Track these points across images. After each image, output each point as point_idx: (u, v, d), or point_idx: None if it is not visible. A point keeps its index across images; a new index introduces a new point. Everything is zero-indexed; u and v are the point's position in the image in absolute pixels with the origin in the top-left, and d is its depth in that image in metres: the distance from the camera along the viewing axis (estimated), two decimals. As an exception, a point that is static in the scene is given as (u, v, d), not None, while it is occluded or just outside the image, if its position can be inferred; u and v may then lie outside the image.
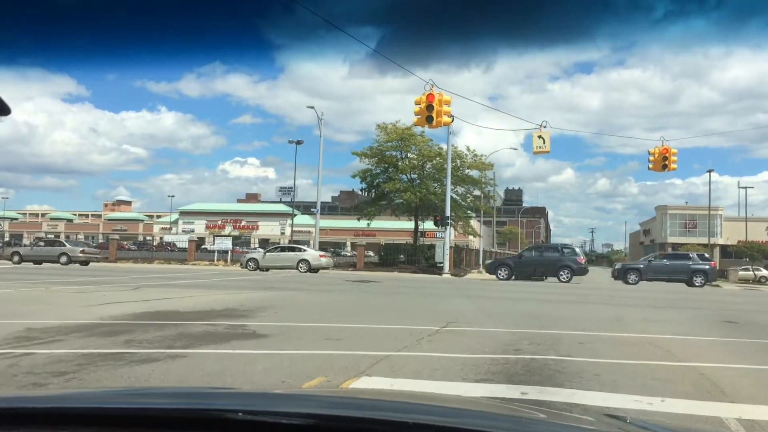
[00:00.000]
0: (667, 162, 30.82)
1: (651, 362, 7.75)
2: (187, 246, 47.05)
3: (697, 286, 30.87)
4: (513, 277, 31.83)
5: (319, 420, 1.43)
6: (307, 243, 46.19)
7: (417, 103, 22.51)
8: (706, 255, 34.52)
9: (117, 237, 53.21)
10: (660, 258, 35.99)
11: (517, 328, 11.01)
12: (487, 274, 36.07)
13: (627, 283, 32.05)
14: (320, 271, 35.04)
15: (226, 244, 45.02)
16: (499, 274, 32.50)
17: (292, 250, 37.47)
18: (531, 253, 34.41)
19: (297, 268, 34.23)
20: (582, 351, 8.55)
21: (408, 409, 1.73)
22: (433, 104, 21.93)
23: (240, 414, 1.42)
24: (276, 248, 38.79)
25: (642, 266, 33.62)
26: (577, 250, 34.65)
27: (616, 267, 37.45)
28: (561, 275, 31.14)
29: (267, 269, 34.33)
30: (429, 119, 22.11)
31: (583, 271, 33.03)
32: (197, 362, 7.14)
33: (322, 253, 38.40)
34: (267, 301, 15.00)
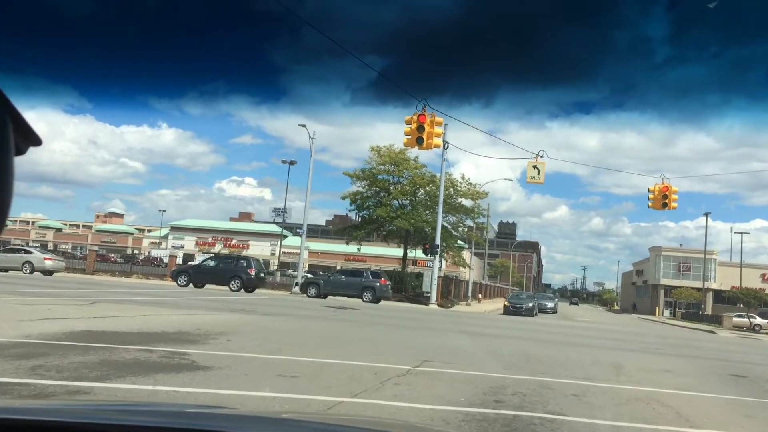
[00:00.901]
0: (667, 200, 29.64)
1: (660, 428, 6.39)
2: (174, 261, 45.42)
3: (366, 301, 32.33)
4: (191, 284, 33.27)
5: None
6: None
7: (408, 122, 21.29)
8: (379, 273, 36.86)
9: (99, 249, 51.60)
10: (338, 274, 38.97)
11: (504, 372, 9.63)
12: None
13: (308, 296, 33.61)
14: (300, 294, 33.53)
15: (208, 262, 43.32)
16: (180, 280, 33.88)
17: (18, 251, 37.07)
18: (210, 263, 36.27)
19: (22, 270, 33.94)
20: (576, 407, 7.17)
21: None
22: (425, 125, 20.70)
23: None
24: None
25: (322, 281, 35.69)
26: (253, 263, 35.59)
27: (299, 282, 38.17)
28: (232, 284, 32.90)
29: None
30: (419, 140, 20.87)
31: (252, 283, 33.56)
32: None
33: (47, 255, 37.66)
34: (229, 326, 13.56)
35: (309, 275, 79.35)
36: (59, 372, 6.89)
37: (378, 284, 33.83)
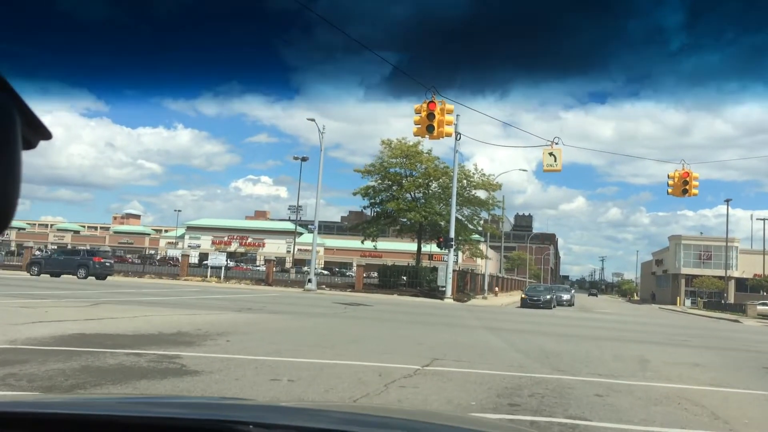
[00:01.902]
0: (687, 186, 28.64)
1: (696, 432, 5.67)
2: (186, 261, 44.95)
3: (80, 278, 33.86)
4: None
5: None
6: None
7: (417, 111, 20.50)
8: (95, 252, 38.63)
9: (116, 250, 51.35)
10: (57, 254, 40.29)
11: (520, 370, 8.94)
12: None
13: (31, 274, 35.28)
14: (313, 291, 32.94)
15: (220, 260, 42.87)
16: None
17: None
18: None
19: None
20: (600, 410, 6.47)
21: (420, 429, 1.69)
22: (435, 113, 19.91)
23: (251, 427, 1.37)
24: None
25: (43, 261, 37.59)
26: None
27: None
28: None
29: None
30: (430, 129, 20.08)
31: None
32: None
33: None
34: (231, 326, 12.98)
35: (325, 272, 78.92)
36: (30, 382, 6.32)
37: (91, 262, 35.45)
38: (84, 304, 16.56)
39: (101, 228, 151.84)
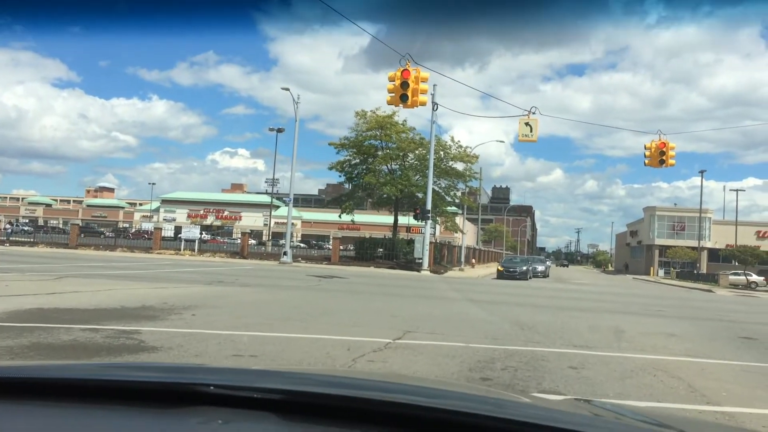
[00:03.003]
0: (664, 157, 28.62)
1: (671, 406, 5.47)
2: (160, 234, 44.11)
3: None
4: None
5: (293, 396, 1.39)
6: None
7: (391, 79, 19.97)
8: None
9: (90, 223, 50.19)
10: None
11: (494, 343, 8.72)
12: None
13: None
14: (289, 264, 32.60)
15: (194, 233, 42.27)
16: None
17: None
18: None
19: None
20: (574, 383, 6.25)
21: (387, 389, 1.65)
22: (409, 81, 19.41)
23: (212, 388, 1.37)
24: None
25: None
26: None
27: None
28: None
29: None
30: (403, 97, 19.59)
31: None
32: None
33: None
34: (199, 299, 12.60)
35: (302, 244, 78.39)
36: (-28, 360, 5.91)
37: None
38: (48, 278, 16.03)
39: (74, 201, 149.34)
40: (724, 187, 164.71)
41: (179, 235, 45.92)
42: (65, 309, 10.01)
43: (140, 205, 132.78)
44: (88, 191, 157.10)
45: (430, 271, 34.20)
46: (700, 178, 69.42)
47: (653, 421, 1.63)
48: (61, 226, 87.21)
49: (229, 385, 1.42)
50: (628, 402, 5.54)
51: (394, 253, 39.27)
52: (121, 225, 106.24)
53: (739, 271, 53.82)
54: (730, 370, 7.68)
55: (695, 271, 65.48)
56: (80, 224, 48.55)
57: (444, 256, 45.24)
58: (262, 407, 1.34)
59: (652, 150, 28.57)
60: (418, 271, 33.71)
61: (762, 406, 5.73)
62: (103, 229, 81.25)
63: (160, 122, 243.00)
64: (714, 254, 78.07)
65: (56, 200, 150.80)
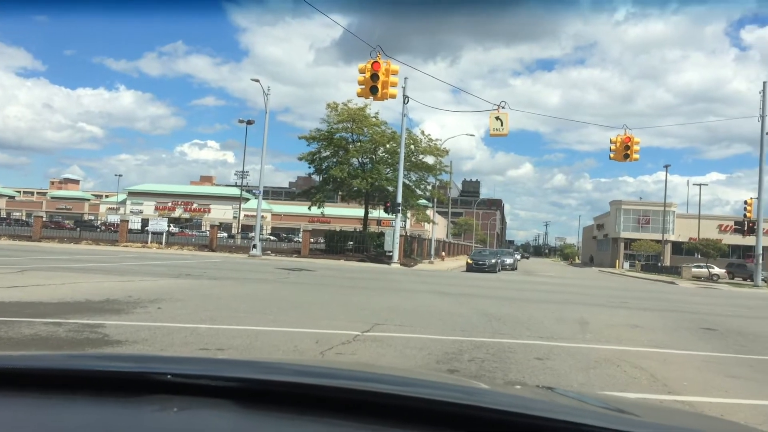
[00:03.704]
0: (629, 151, 29.11)
1: (635, 395, 5.58)
2: (126, 226, 43.37)
3: None
4: None
5: (251, 384, 1.38)
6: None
7: (361, 71, 19.90)
8: None
9: (54, 216, 49.13)
10: None
11: (461, 335, 8.79)
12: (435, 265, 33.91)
13: None
14: (258, 257, 32.39)
15: (161, 225, 41.68)
16: None
17: None
18: None
19: None
20: (539, 373, 6.34)
21: (347, 377, 1.60)
22: (379, 74, 19.38)
23: (169, 377, 1.37)
24: None
25: None
26: None
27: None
28: None
29: None
30: (373, 90, 19.55)
31: None
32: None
33: None
34: (167, 292, 12.44)
35: (272, 237, 77.74)
36: (-72, 355, 5.75)
37: None
38: (10, 271, 15.67)
39: (38, 193, 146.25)
40: (688, 181, 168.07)
41: (146, 228, 45.27)
42: (27, 303, 9.80)
43: (106, 197, 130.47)
44: (53, 183, 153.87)
45: (401, 264, 34.31)
46: (664, 172, 70.81)
47: (611, 406, 1.66)
48: (24, 218, 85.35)
49: (187, 374, 1.41)
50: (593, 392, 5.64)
51: (364, 246, 39.30)
52: (86, 217, 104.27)
53: (702, 264, 55.06)
54: (691, 360, 7.86)
55: (659, 264, 66.83)
56: (43, 217, 47.47)
57: (414, 249, 45.41)
58: (220, 395, 1.33)
59: (618, 144, 29.02)
60: (389, 263, 33.79)
61: (720, 395, 5.88)
62: (67, 222, 79.54)
63: (127, 113, 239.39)
64: (677, 247, 79.76)
65: (20, 192, 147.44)
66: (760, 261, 37.93)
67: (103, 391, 1.36)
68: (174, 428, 1.23)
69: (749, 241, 45.96)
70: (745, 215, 44.04)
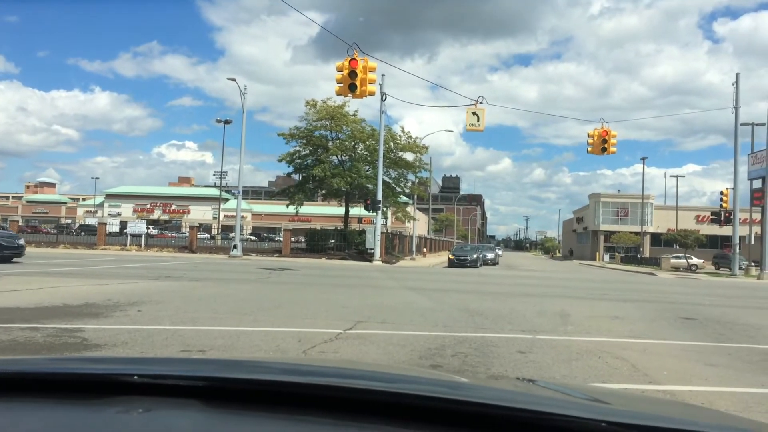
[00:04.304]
0: (606, 144, 29.38)
1: (616, 386, 5.62)
2: (104, 229, 42.86)
3: None
4: None
5: (219, 383, 1.37)
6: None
7: (339, 69, 19.84)
8: None
9: (30, 220, 48.39)
10: None
11: (444, 330, 8.81)
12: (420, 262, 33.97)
13: None
14: (239, 257, 32.19)
15: (140, 227, 41.23)
16: None
17: None
18: None
19: None
20: (522, 367, 6.37)
21: (330, 373, 1.60)
22: (357, 71, 19.35)
23: (135, 377, 1.37)
24: None
25: None
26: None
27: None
28: None
29: None
30: (352, 87, 19.51)
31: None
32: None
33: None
34: (146, 295, 12.32)
35: (252, 237, 77.26)
36: None
37: None
38: (-15, 277, 15.40)
39: (13, 197, 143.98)
40: (665, 173, 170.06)
41: (125, 230, 44.74)
42: (4, 308, 9.65)
43: (83, 200, 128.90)
44: (28, 187, 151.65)
45: (382, 262, 34.31)
46: (642, 165, 71.58)
47: (593, 397, 1.67)
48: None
49: (154, 374, 1.39)
50: (575, 383, 5.67)
51: (345, 244, 39.24)
52: (63, 221, 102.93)
53: (680, 255, 55.75)
54: (670, 349, 7.95)
55: (638, 256, 67.55)
56: (19, 221, 46.74)
57: (396, 246, 45.44)
58: (188, 395, 1.31)
59: (595, 138, 29.27)
60: (370, 261, 33.77)
61: (700, 383, 5.95)
62: (44, 226, 78.41)
63: (103, 115, 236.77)
64: (656, 238, 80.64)
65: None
66: (738, 250, 38.48)
67: (70, 394, 1.35)
68: (136, 429, 1.21)
69: (726, 231, 46.67)
70: (721, 206, 44.69)
